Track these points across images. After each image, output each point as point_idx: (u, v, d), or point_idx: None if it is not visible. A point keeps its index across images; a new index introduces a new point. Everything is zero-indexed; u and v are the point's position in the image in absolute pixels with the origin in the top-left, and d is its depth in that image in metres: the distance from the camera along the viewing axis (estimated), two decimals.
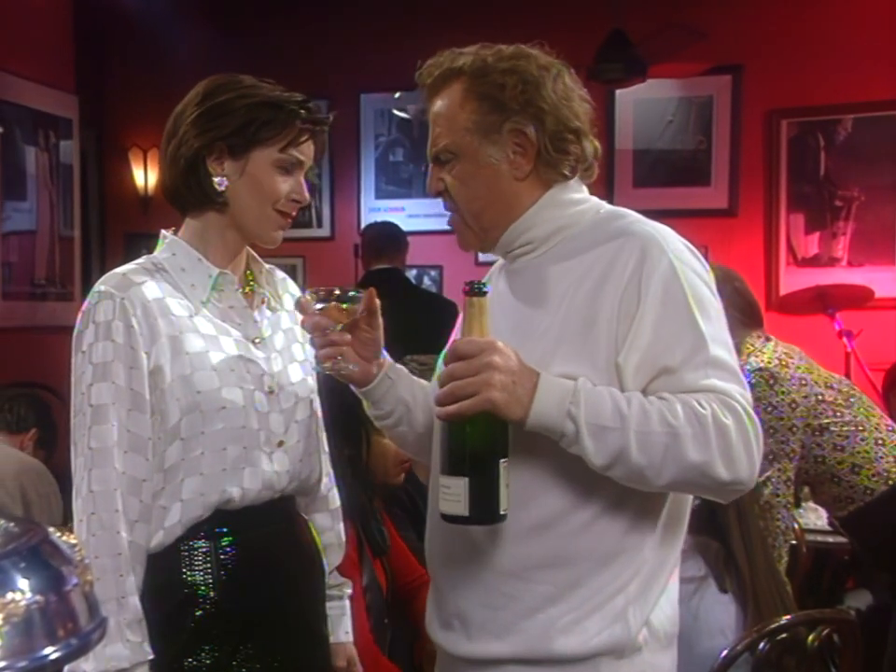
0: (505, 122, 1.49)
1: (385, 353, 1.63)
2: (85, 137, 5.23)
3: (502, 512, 1.38)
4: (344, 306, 1.52)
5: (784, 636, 1.95)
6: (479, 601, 1.51)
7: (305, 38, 5.43)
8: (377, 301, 1.58)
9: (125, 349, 1.50)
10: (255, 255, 1.68)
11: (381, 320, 1.59)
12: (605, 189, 5.19)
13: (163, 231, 1.63)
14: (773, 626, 1.94)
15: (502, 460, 1.37)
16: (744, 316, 2.80)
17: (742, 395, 1.39)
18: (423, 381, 1.69)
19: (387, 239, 4.38)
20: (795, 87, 4.89)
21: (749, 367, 2.70)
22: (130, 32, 5.50)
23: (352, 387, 1.63)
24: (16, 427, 3.03)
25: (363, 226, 5.18)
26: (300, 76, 5.22)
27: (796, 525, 3.09)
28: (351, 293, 1.53)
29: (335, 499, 1.79)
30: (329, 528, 1.76)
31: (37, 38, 4.64)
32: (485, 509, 1.37)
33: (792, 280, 4.91)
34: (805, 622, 2.01)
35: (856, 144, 4.87)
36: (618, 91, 4.98)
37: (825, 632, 1.98)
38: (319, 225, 5.69)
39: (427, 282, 5.44)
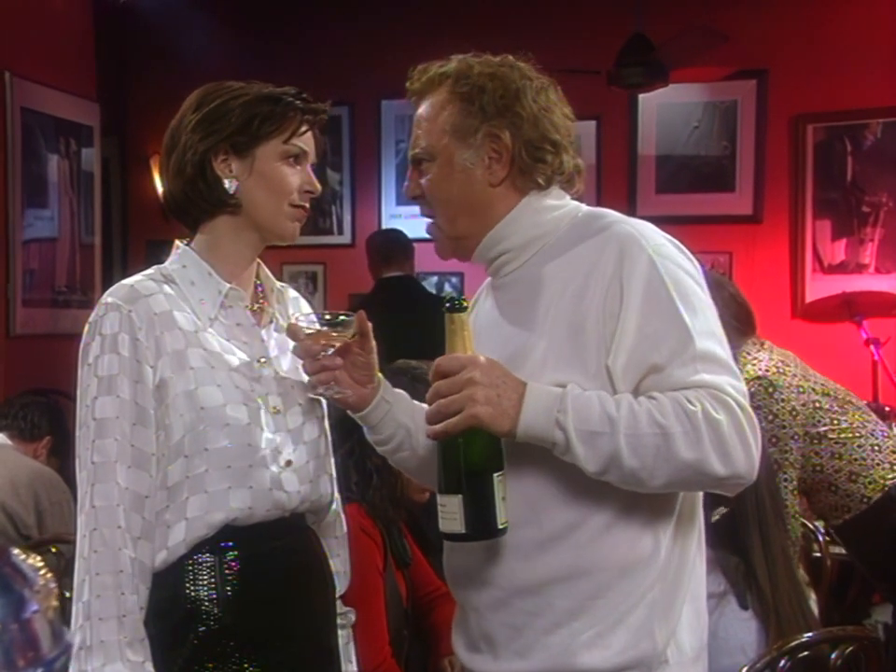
0: (482, 126, 1.50)
1: (381, 377, 1.61)
2: (107, 145, 5.24)
3: (500, 526, 1.37)
4: (335, 332, 1.51)
5: (805, 654, 1.89)
6: (501, 621, 1.49)
7: (326, 46, 5.43)
8: (368, 324, 1.56)
9: (131, 363, 1.48)
10: (267, 272, 1.66)
11: (373, 343, 1.57)
12: (627, 195, 5.15)
13: (177, 241, 1.61)
14: (794, 644, 1.89)
15: (496, 474, 1.36)
16: (740, 323, 2.77)
17: (734, 386, 1.37)
18: (423, 404, 1.66)
19: (395, 246, 4.34)
20: (821, 91, 4.82)
21: (746, 376, 2.65)
22: (152, 39, 5.52)
23: (349, 413, 1.61)
24: (29, 435, 3.02)
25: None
26: (321, 82, 5.21)
27: (821, 538, 3.03)
28: (341, 317, 1.52)
29: (342, 526, 1.75)
30: (336, 555, 1.72)
31: (58, 46, 4.65)
32: (482, 524, 1.36)
33: (819, 287, 4.85)
34: (828, 639, 1.95)
35: (884, 149, 4.80)
36: (641, 96, 4.94)
37: (848, 650, 1.92)
38: (340, 232, 5.68)
39: (447, 289, 5.42)
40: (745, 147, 5.04)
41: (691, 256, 1.48)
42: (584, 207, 1.56)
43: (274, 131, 1.54)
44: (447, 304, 1.37)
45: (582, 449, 1.34)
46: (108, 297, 1.51)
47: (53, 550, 2.55)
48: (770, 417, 2.64)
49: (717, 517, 2.01)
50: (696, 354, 1.37)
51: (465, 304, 1.37)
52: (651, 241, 1.44)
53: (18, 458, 2.89)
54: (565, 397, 1.36)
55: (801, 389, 2.70)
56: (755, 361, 2.72)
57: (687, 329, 1.38)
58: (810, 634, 1.95)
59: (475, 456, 1.36)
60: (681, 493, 1.48)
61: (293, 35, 5.48)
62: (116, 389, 1.47)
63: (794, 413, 2.66)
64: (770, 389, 2.65)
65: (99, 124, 4.90)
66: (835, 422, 2.71)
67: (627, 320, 1.39)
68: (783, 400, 2.65)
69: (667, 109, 5.11)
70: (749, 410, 1.38)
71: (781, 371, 2.70)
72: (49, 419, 3.06)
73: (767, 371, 2.67)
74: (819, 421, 2.70)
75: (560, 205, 1.54)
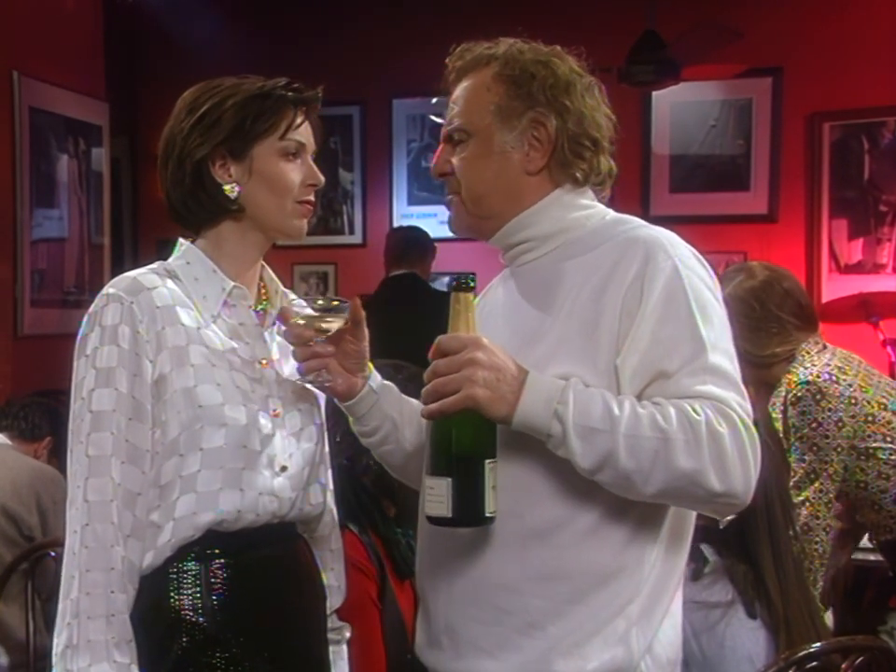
0: (528, 111, 1.49)
1: (371, 367, 1.58)
2: (117, 144, 5.23)
3: (488, 514, 1.34)
4: (329, 317, 1.48)
5: (815, 664, 1.84)
6: (470, 615, 1.46)
7: (337, 45, 5.40)
8: (362, 312, 1.53)
9: (130, 355, 1.44)
10: (272, 275, 1.62)
11: (366, 332, 1.55)
12: (640, 194, 5.10)
13: (181, 239, 1.58)
14: (802, 654, 1.83)
15: (488, 460, 1.34)
16: (797, 320, 2.65)
17: (740, 404, 1.35)
18: (413, 399, 1.63)
19: (408, 244, 4.29)
20: (838, 89, 4.77)
21: (797, 379, 2.56)
22: (161, 38, 5.50)
23: (335, 402, 1.58)
24: (30, 436, 3.00)
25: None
26: (332, 81, 5.18)
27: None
28: (335, 303, 1.49)
29: (338, 539, 1.71)
30: (330, 568, 1.68)
31: (67, 45, 4.64)
32: (469, 510, 1.33)
33: (835, 287, 4.79)
34: (838, 649, 1.90)
35: None
36: (654, 95, 4.90)
37: (859, 660, 1.87)
38: (351, 232, 5.66)
39: None
40: (760, 145, 5.00)
41: (710, 270, 1.47)
42: (612, 213, 1.55)
43: (268, 128, 1.51)
44: (453, 283, 1.35)
45: (578, 444, 1.32)
46: (110, 288, 1.48)
47: (52, 553, 2.52)
48: (814, 425, 2.53)
49: (725, 523, 1.96)
50: (707, 366, 1.36)
51: (472, 284, 1.34)
52: (677, 249, 1.43)
53: (18, 458, 2.86)
54: (566, 389, 1.33)
55: (853, 401, 2.55)
56: (809, 364, 2.59)
57: (702, 341, 1.37)
58: (819, 644, 1.89)
59: (468, 440, 1.33)
60: (671, 508, 1.45)
61: (304, 34, 5.45)
62: (114, 382, 1.43)
63: (841, 424, 2.54)
64: (817, 396, 2.53)
65: (108, 124, 4.88)
66: (888, 440, 2.58)
67: (643, 323, 1.37)
68: (830, 410, 2.53)
69: (681, 108, 5.06)
70: (753, 430, 1.35)
71: (835, 378, 2.55)
72: (49, 420, 3.03)
73: (818, 376, 2.54)
74: (869, 436, 2.57)
75: (589, 205, 1.53)
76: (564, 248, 1.50)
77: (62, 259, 4.65)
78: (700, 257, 1.47)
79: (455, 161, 1.52)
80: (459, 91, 1.53)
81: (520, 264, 1.54)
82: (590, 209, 1.52)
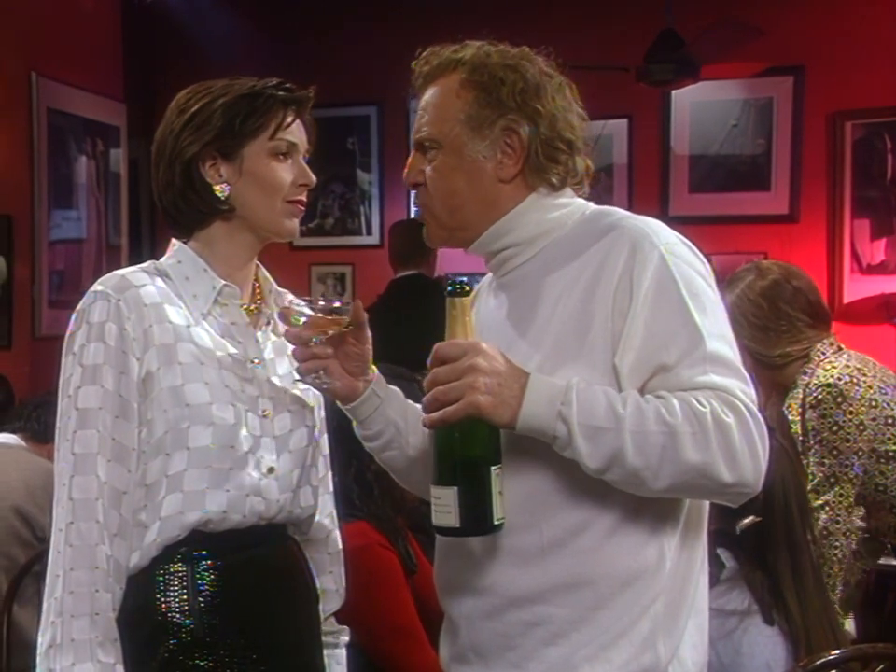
0: (499, 119, 1.46)
1: (375, 370, 1.55)
2: (135, 145, 5.24)
3: (496, 522, 1.33)
4: (329, 318, 1.46)
5: None
6: (494, 631, 1.45)
7: (354, 45, 5.39)
8: (364, 315, 1.51)
9: (116, 353, 1.44)
10: (266, 274, 1.62)
11: (369, 334, 1.52)
12: (659, 194, 5.07)
13: (174, 239, 1.58)
14: (820, 662, 1.80)
15: (494, 467, 1.32)
16: (808, 317, 2.61)
17: (744, 391, 1.33)
18: (417, 404, 1.60)
19: (410, 244, 4.24)
20: (859, 87, 4.72)
21: (816, 381, 2.53)
22: (180, 39, 5.51)
23: (338, 404, 1.56)
24: (43, 437, 2.96)
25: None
26: (350, 82, 5.18)
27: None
28: (336, 304, 1.47)
29: (336, 542, 1.69)
30: (328, 572, 1.66)
31: (85, 46, 4.66)
32: (477, 519, 1.32)
33: (857, 288, 4.74)
34: (857, 657, 1.87)
35: None
36: (674, 94, 4.87)
37: (879, 668, 1.84)
38: (369, 233, 5.64)
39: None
40: (781, 144, 4.94)
41: (701, 255, 1.45)
42: (592, 205, 1.53)
43: (258, 127, 1.51)
44: (449, 288, 1.33)
45: (585, 444, 1.30)
46: (98, 285, 1.49)
47: None
48: (835, 429, 2.50)
49: (741, 529, 1.92)
50: (706, 355, 1.34)
51: (468, 289, 1.33)
52: (662, 238, 1.41)
53: (32, 459, 2.86)
54: (569, 389, 1.32)
55: (873, 403, 2.52)
56: (828, 366, 2.55)
57: (698, 330, 1.35)
58: (838, 651, 1.86)
59: (473, 447, 1.32)
60: (687, 501, 1.43)
61: (322, 35, 5.45)
62: (100, 379, 1.43)
63: (862, 427, 2.50)
64: (838, 399, 2.49)
65: (126, 125, 4.90)
66: None
67: (636, 318, 1.36)
68: (851, 413, 2.50)
69: (701, 107, 5.02)
70: (759, 416, 1.33)
71: (856, 381, 2.52)
72: None
73: (839, 379, 2.51)
74: (889, 438, 2.54)
75: (567, 203, 1.51)
76: (549, 250, 1.48)
77: (80, 259, 4.67)
78: (688, 243, 1.45)
79: (427, 170, 1.50)
80: (428, 97, 1.51)
81: (507, 271, 1.52)
82: (568, 206, 1.50)
